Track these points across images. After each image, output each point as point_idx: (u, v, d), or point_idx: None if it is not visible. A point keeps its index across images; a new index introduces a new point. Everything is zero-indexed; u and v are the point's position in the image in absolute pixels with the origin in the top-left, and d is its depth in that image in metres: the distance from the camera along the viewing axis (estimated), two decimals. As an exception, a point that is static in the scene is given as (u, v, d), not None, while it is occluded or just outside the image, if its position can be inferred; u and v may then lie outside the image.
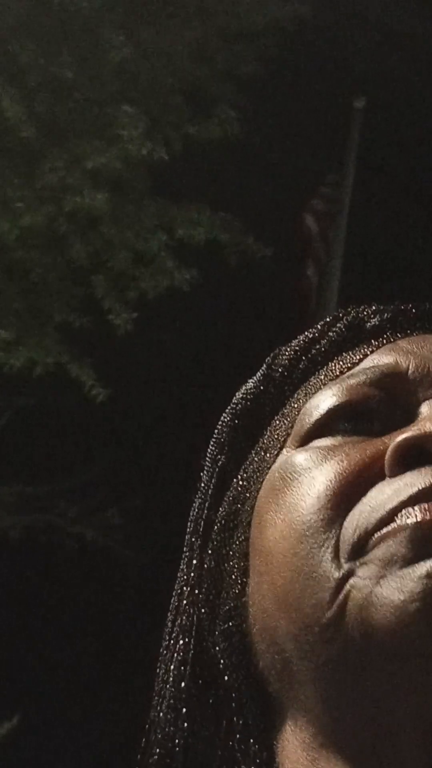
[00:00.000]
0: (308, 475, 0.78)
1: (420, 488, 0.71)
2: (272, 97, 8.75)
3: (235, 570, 0.84)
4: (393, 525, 0.71)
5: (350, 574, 0.72)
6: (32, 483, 9.15)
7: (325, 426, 0.81)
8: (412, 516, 0.70)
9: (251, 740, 0.81)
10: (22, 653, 9.91)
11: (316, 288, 9.03)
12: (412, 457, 0.74)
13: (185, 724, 0.83)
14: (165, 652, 0.87)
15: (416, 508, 0.70)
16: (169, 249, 7.72)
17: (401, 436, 0.75)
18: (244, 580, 0.83)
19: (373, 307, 0.91)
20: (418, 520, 0.70)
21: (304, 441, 0.82)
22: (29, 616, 9.94)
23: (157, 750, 0.83)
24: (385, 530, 0.71)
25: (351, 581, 0.71)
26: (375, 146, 9.39)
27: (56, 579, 9.70)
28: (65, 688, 9.97)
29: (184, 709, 0.83)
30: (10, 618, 9.76)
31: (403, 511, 0.71)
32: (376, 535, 0.72)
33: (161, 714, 0.84)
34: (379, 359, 0.84)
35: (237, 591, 0.83)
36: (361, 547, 0.72)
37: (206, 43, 8.00)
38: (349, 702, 0.72)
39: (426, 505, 0.70)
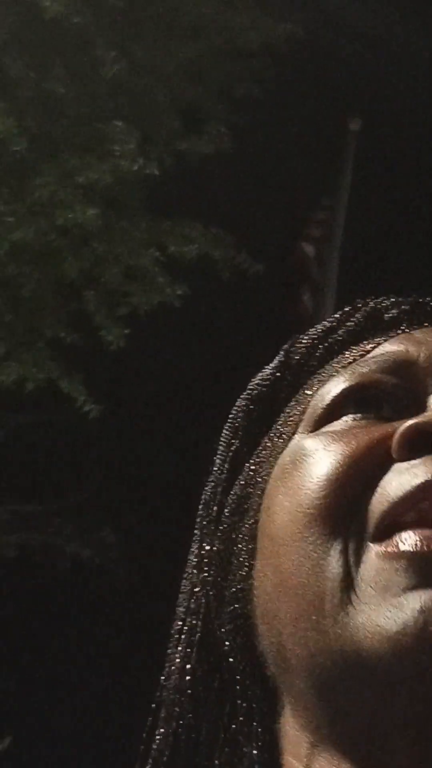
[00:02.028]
0: (316, 457, 0.79)
1: (423, 482, 0.72)
2: (266, 118, 8.76)
3: (243, 552, 0.85)
4: (392, 547, 0.72)
5: (352, 579, 0.73)
6: (27, 501, 9.12)
7: (335, 411, 0.82)
8: (411, 542, 0.71)
9: (254, 723, 0.82)
10: (16, 672, 9.86)
11: (312, 313, 9.02)
12: (421, 442, 0.75)
13: (189, 707, 0.84)
14: (174, 635, 0.88)
15: (416, 533, 0.71)
16: (161, 265, 7.72)
17: (411, 421, 0.75)
18: (252, 562, 0.84)
19: (392, 299, 0.92)
20: (416, 550, 0.71)
21: (316, 426, 0.83)
22: (24, 634, 9.90)
23: (162, 730, 0.84)
24: (384, 545, 0.72)
25: (351, 594, 0.72)
26: (370, 168, 9.39)
27: (51, 598, 9.66)
28: (60, 707, 9.92)
29: (189, 690, 0.84)
30: (4, 637, 9.73)
31: (404, 535, 0.72)
32: (377, 546, 0.73)
33: (167, 694, 0.85)
34: (391, 348, 0.85)
35: (244, 573, 0.84)
36: (364, 549, 0.73)
37: (200, 61, 8.03)
38: (341, 700, 0.73)
39: (426, 532, 0.71)
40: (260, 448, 0.89)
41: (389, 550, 0.72)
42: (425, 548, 0.70)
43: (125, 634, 9.71)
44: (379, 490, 0.75)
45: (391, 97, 9.23)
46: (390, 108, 9.25)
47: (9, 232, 7.25)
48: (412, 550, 0.71)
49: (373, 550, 0.73)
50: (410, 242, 9.85)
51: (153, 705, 0.85)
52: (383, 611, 0.70)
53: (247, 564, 0.84)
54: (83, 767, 9.70)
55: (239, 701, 0.84)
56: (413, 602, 0.69)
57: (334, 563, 0.73)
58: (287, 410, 0.89)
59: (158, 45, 7.74)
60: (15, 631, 9.81)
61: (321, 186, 9.31)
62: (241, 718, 0.83)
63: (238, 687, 0.84)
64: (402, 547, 0.71)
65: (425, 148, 9.36)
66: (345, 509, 0.75)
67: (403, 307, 0.90)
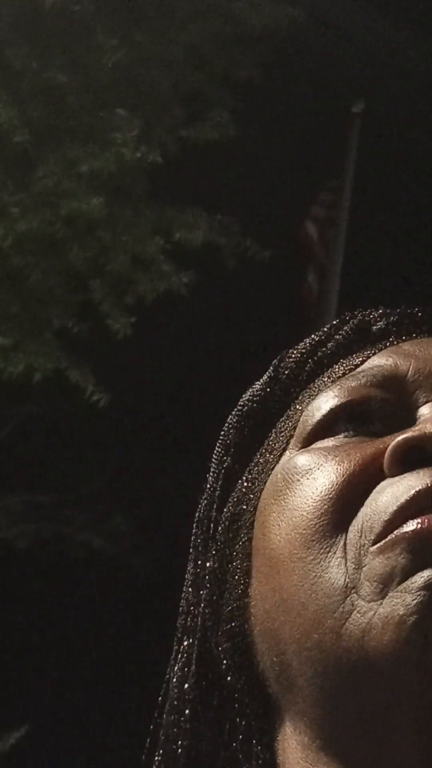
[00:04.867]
0: (310, 476, 0.79)
1: (418, 490, 0.72)
2: (270, 102, 8.76)
3: (237, 570, 0.85)
4: (392, 536, 0.71)
5: (354, 586, 0.72)
6: (39, 491, 9.15)
7: (326, 427, 0.82)
8: (410, 525, 0.71)
9: (253, 741, 0.82)
10: (29, 662, 9.90)
11: (317, 294, 9.03)
12: (412, 457, 0.74)
13: (188, 726, 0.84)
14: (173, 654, 0.88)
15: (416, 519, 0.71)
16: (167, 253, 7.72)
17: (401, 436, 0.75)
18: (247, 580, 0.84)
19: (380, 311, 0.92)
20: (416, 529, 0.70)
21: (307, 443, 0.83)
22: (37, 625, 9.94)
23: (161, 751, 0.84)
24: (384, 541, 0.72)
25: (354, 599, 0.72)
26: (374, 151, 9.38)
27: (64, 587, 9.69)
28: (73, 697, 9.95)
29: (187, 711, 0.84)
30: (17, 627, 9.76)
31: (404, 525, 0.71)
32: (376, 546, 0.72)
33: (165, 715, 0.85)
34: (380, 361, 0.84)
35: (239, 591, 0.84)
36: (364, 555, 0.73)
37: (202, 47, 8.00)
38: (348, 713, 0.72)
39: (424, 518, 0.71)
40: (252, 464, 0.89)
41: (390, 538, 0.71)
42: (427, 526, 0.70)
43: (138, 623, 9.74)
44: (371, 502, 0.74)
45: (394, 79, 9.22)
46: (393, 90, 9.24)
47: (14, 224, 7.25)
48: (414, 529, 0.70)
49: (374, 550, 0.72)
50: (415, 223, 9.86)
51: (151, 726, 0.85)
52: (388, 602, 0.69)
53: (242, 582, 0.84)
54: (94, 756, 9.72)
55: (238, 719, 0.83)
56: (417, 581, 0.69)
57: (333, 579, 0.73)
58: (278, 425, 0.88)
59: (159, 31, 7.72)
60: (27, 621, 9.85)
61: (325, 170, 9.30)
62: (240, 737, 0.83)
63: (236, 705, 0.84)
64: (399, 533, 0.71)
65: (429, 129, 9.35)
66: (341, 528, 0.75)
67: (391, 318, 0.90)
